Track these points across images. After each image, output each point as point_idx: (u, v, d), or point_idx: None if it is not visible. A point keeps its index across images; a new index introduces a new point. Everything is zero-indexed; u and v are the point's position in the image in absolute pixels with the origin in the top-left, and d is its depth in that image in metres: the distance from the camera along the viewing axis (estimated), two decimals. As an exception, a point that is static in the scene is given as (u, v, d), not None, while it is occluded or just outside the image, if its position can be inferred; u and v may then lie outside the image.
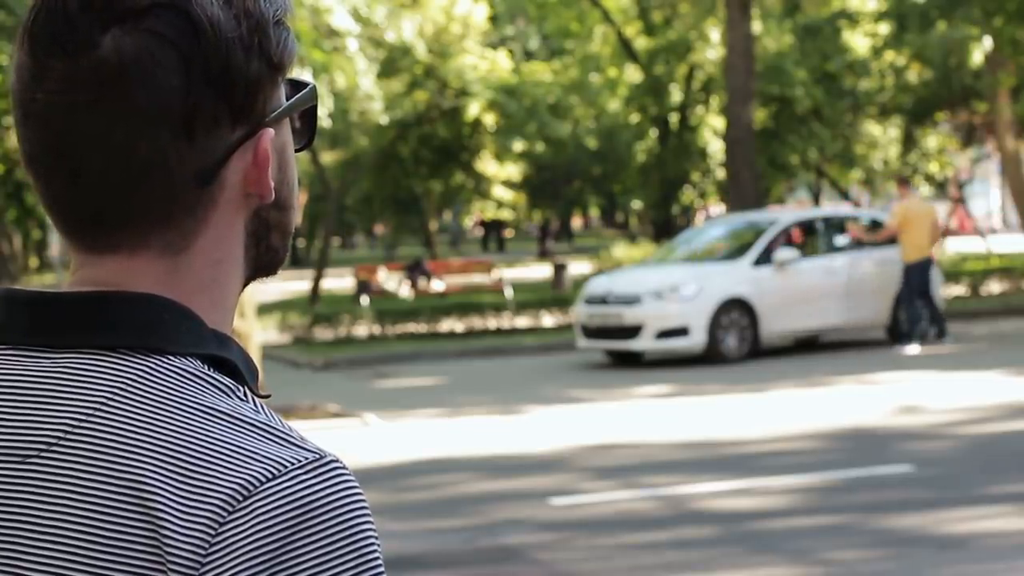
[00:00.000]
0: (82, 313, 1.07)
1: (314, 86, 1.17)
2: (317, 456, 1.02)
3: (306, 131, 1.19)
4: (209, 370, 1.06)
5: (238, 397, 1.06)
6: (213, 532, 0.98)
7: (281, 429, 1.04)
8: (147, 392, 1.03)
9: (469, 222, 58.11)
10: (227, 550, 0.98)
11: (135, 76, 1.04)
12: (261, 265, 1.16)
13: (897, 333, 17.63)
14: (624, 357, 17.59)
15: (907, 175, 20.30)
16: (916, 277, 17.13)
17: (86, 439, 1.02)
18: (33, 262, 40.95)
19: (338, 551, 0.99)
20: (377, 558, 1.01)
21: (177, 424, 1.01)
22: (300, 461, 1.01)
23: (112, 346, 1.05)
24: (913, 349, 16.94)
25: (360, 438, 12.19)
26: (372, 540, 1.01)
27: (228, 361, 1.08)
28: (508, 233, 63.53)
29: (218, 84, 1.07)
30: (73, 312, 1.07)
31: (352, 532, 1.00)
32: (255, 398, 1.08)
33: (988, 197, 55.30)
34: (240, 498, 0.98)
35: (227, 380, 1.06)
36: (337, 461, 1.03)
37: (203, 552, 0.98)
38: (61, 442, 1.03)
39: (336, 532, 0.99)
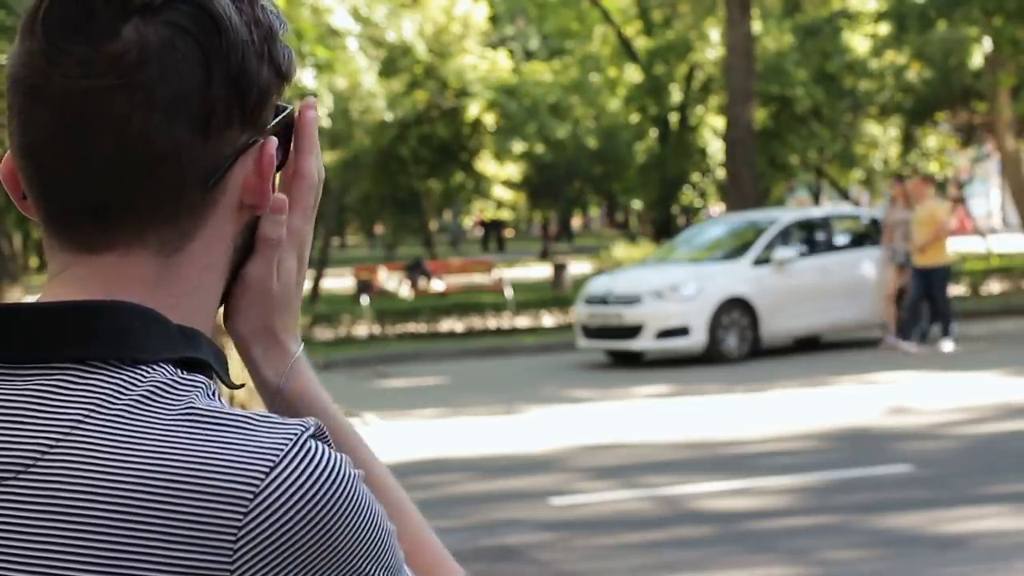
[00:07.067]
0: (51, 326, 1.04)
1: (293, 109, 1.17)
2: (294, 437, 1.01)
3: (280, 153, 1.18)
4: (182, 373, 1.05)
5: (208, 396, 1.04)
6: (233, 537, 0.97)
7: (253, 418, 1.02)
8: (124, 407, 1.01)
9: (469, 222, 58.11)
10: (254, 552, 0.97)
11: (157, 67, 1.03)
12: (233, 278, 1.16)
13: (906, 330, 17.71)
14: (624, 357, 17.60)
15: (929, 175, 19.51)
16: (944, 280, 17.01)
17: (67, 458, 0.99)
18: (33, 262, 40.91)
19: (359, 521, 1.01)
20: (380, 512, 1.03)
21: (159, 435, 0.99)
22: (284, 448, 1.00)
23: (83, 359, 1.03)
24: (912, 347, 16.96)
25: (360, 438, 12.19)
26: (370, 499, 1.02)
27: (200, 360, 1.08)
28: (508, 233, 63.53)
29: (236, 84, 1.07)
30: (41, 326, 1.04)
31: (356, 497, 1.01)
32: (219, 394, 1.07)
33: (988, 197, 55.30)
34: (250, 496, 0.97)
35: (200, 379, 1.05)
36: (312, 434, 1.02)
37: (227, 560, 0.97)
38: (39, 463, 1.00)
39: (345, 503, 1.00)
